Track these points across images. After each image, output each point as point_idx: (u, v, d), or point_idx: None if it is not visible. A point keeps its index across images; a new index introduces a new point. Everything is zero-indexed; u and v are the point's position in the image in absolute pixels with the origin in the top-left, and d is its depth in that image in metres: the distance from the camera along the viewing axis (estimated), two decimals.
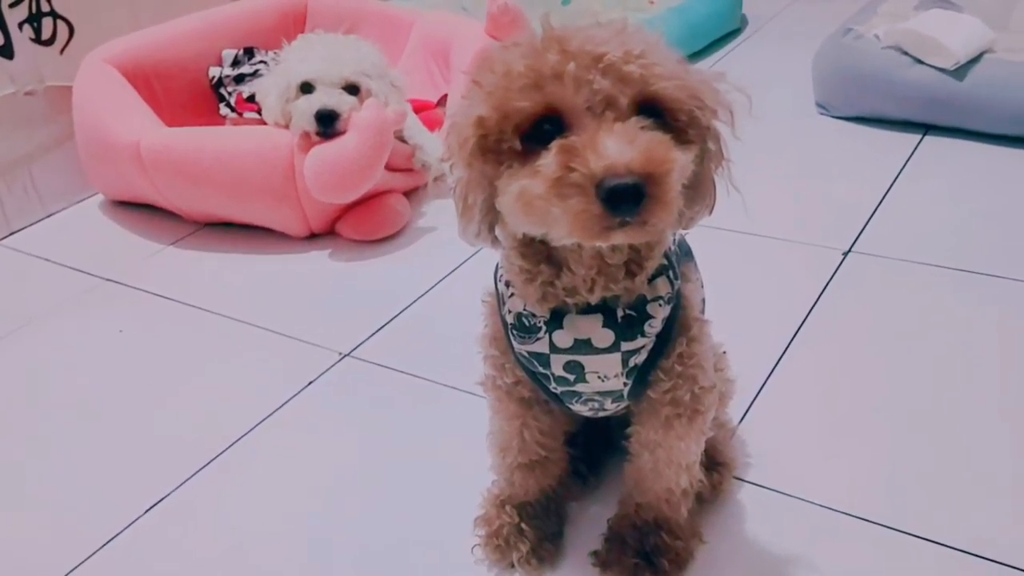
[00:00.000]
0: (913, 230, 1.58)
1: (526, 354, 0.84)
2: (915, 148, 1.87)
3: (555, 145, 0.65)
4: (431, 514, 1.08)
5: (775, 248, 1.57)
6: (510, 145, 0.68)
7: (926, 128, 1.93)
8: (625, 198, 0.62)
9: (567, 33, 0.68)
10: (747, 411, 1.19)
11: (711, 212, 0.78)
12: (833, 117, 2.05)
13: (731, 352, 1.07)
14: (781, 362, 1.28)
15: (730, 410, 1.12)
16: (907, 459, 1.10)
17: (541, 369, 0.84)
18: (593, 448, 1.10)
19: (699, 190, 0.75)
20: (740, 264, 1.53)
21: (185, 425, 1.27)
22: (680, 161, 0.65)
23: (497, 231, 0.77)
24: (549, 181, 0.64)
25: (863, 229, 1.59)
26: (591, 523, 1.04)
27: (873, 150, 1.89)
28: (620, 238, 0.66)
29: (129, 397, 1.34)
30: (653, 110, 0.67)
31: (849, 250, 1.53)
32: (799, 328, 1.35)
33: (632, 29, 0.70)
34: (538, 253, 0.77)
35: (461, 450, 1.13)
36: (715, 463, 1.05)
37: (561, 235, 0.66)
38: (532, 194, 0.65)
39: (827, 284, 1.44)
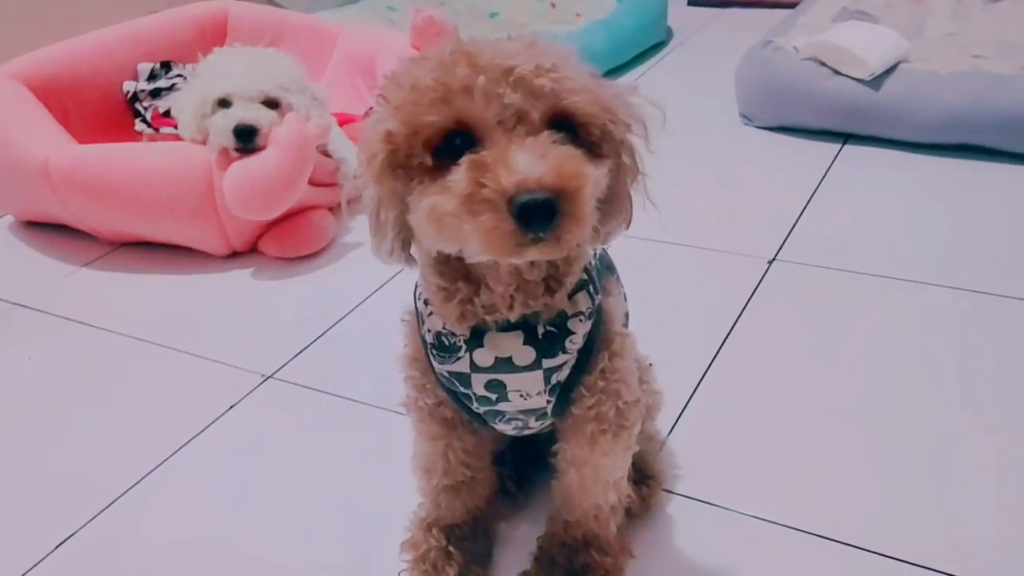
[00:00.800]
0: (836, 237, 1.60)
1: (447, 374, 0.82)
2: (835, 157, 1.91)
3: (465, 160, 0.63)
4: (357, 539, 1.04)
5: (700, 258, 1.58)
6: (420, 160, 0.66)
7: (846, 137, 1.98)
8: (538, 214, 0.60)
9: (476, 47, 0.67)
10: (676, 423, 1.19)
11: (628, 227, 0.77)
12: (756, 127, 2.08)
13: (658, 364, 1.06)
14: (708, 372, 1.28)
15: (658, 422, 1.12)
16: (836, 466, 1.10)
17: (462, 389, 0.82)
18: (521, 466, 1.08)
19: (615, 205, 0.74)
20: (665, 274, 1.53)
21: (99, 454, 1.22)
22: (593, 176, 0.64)
23: (412, 249, 0.74)
24: (460, 197, 0.62)
25: (787, 237, 1.61)
26: (520, 543, 1.02)
27: (795, 159, 1.93)
28: (534, 254, 0.64)
29: (39, 427, 1.28)
30: (565, 124, 0.66)
31: (774, 258, 1.55)
32: (726, 338, 1.35)
33: (543, 43, 0.69)
34: (455, 271, 0.75)
35: (387, 472, 1.10)
36: (644, 477, 1.04)
37: (474, 252, 0.65)
38: (443, 211, 0.63)
39: (753, 293, 1.46)
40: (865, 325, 1.37)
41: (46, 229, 1.80)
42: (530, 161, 0.61)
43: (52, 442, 1.25)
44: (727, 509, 1.05)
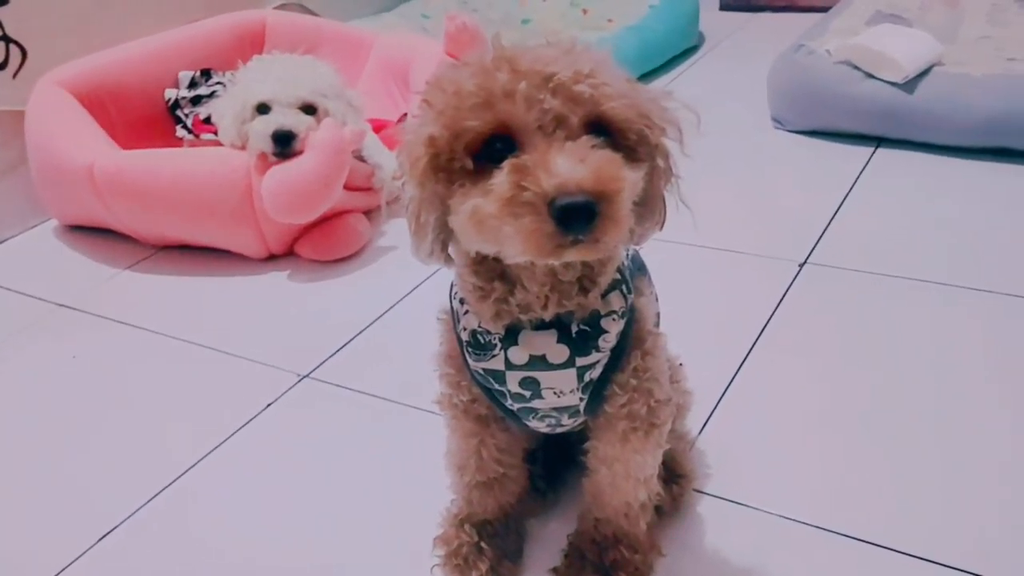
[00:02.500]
0: (867, 241, 1.60)
1: (481, 371, 0.83)
2: (868, 160, 1.90)
3: (507, 164, 0.65)
4: (391, 534, 1.07)
5: (732, 261, 1.58)
6: (462, 164, 0.68)
7: (878, 141, 1.97)
8: (577, 216, 0.62)
9: (517, 52, 0.69)
10: (706, 422, 1.19)
11: (661, 228, 0.79)
12: (788, 131, 2.08)
13: (689, 364, 1.07)
14: (739, 373, 1.29)
15: (689, 422, 1.13)
16: (866, 468, 1.11)
17: (497, 386, 0.84)
18: (552, 464, 1.09)
19: (649, 207, 0.75)
20: (697, 277, 1.54)
21: (139, 451, 1.25)
22: (630, 179, 0.66)
23: (450, 249, 0.77)
24: (501, 200, 0.64)
25: (818, 241, 1.61)
26: (551, 539, 1.03)
27: (827, 163, 1.92)
28: (573, 255, 0.66)
29: (83, 424, 1.32)
30: (602, 129, 0.68)
31: (805, 261, 1.55)
32: (756, 339, 1.36)
33: (581, 48, 0.71)
34: (491, 271, 0.77)
35: (420, 469, 1.12)
36: (674, 475, 1.05)
37: (514, 253, 0.67)
38: (484, 213, 0.65)
39: (783, 295, 1.46)
40: (896, 329, 1.36)
41: (90, 233, 1.85)
42: (570, 165, 0.63)
43: (95, 439, 1.29)
44: (756, 509, 1.06)
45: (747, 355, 1.33)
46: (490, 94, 0.66)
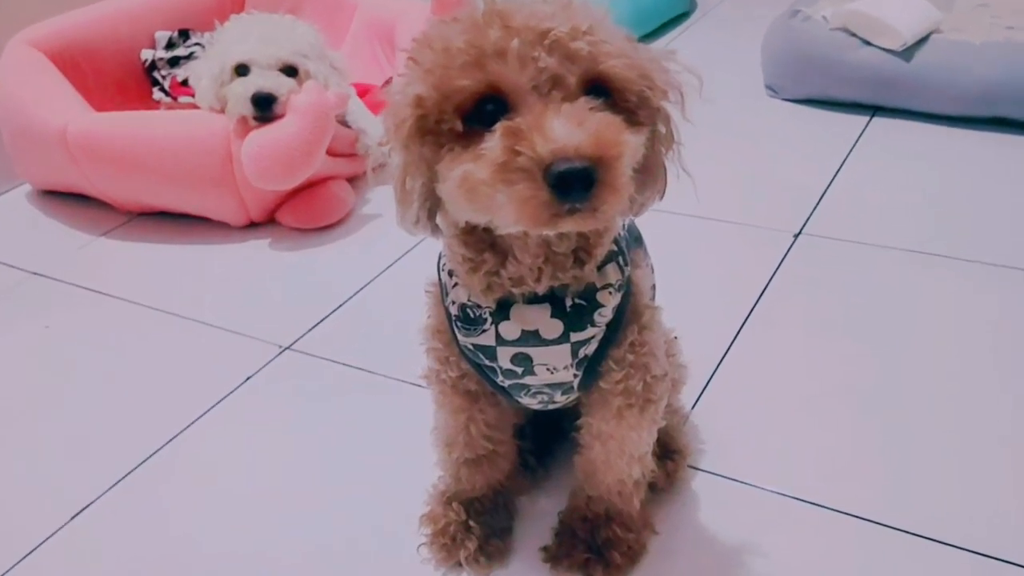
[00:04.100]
0: (863, 212, 1.57)
1: (471, 347, 0.80)
2: (864, 129, 1.87)
3: (500, 127, 0.61)
4: (375, 512, 1.03)
5: (725, 231, 1.55)
6: (451, 126, 0.64)
7: (874, 109, 1.93)
8: (575, 183, 0.58)
9: (510, 8, 0.64)
10: (700, 396, 1.17)
11: (662, 197, 0.75)
12: (782, 99, 2.04)
13: (682, 337, 1.04)
14: (733, 346, 1.26)
15: (683, 396, 1.10)
16: (863, 443, 1.08)
17: (487, 362, 0.80)
18: (542, 439, 1.06)
19: (650, 174, 0.71)
20: (689, 248, 1.50)
21: (115, 425, 1.21)
22: (631, 144, 0.62)
23: (438, 219, 0.72)
24: (494, 165, 0.60)
25: (813, 211, 1.58)
26: (541, 517, 1.00)
27: (822, 131, 1.89)
28: (569, 225, 0.62)
29: (55, 398, 1.27)
30: (601, 90, 0.64)
31: (799, 232, 1.52)
32: (751, 311, 1.33)
33: (578, 4, 0.66)
34: (481, 241, 0.73)
35: (406, 445, 1.09)
36: (669, 451, 1.02)
37: (507, 223, 0.63)
38: (475, 179, 0.61)
39: (778, 267, 1.43)
40: (892, 300, 1.34)
41: (64, 198, 1.80)
42: (567, 128, 0.59)
43: (68, 412, 1.25)
44: (752, 486, 1.03)
45: (741, 327, 1.30)
46: (481, 52, 0.62)
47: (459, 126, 0.64)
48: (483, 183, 0.61)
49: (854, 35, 1.90)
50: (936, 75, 1.83)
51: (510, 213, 0.61)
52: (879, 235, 1.49)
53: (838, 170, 1.71)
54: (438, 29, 0.66)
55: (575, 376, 0.81)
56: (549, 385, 0.82)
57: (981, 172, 1.68)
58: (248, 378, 1.28)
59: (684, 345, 1.04)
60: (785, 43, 2.00)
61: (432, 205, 0.70)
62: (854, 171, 1.71)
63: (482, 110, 0.63)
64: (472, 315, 0.77)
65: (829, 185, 1.66)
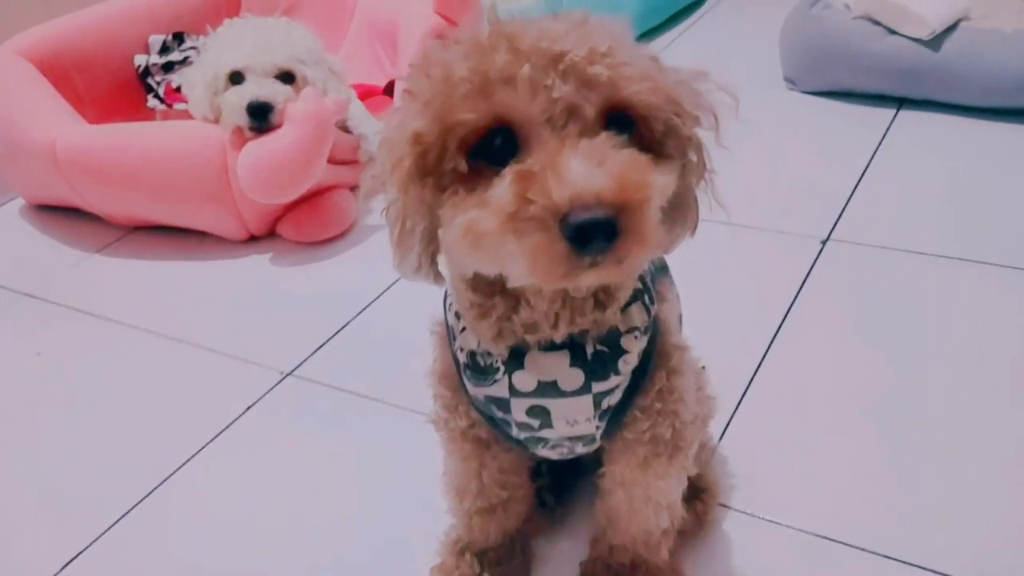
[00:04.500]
0: (894, 213, 1.49)
1: (482, 398, 0.72)
2: (890, 124, 1.78)
3: (509, 171, 0.53)
4: (385, 555, 0.97)
5: (746, 237, 1.46)
6: (454, 165, 0.56)
7: (900, 102, 1.84)
8: (595, 234, 0.51)
9: (518, 28, 0.57)
10: (727, 426, 1.09)
11: (694, 233, 0.67)
12: (801, 92, 1.95)
13: (706, 358, 0.96)
14: (762, 367, 1.18)
15: (709, 426, 1.02)
16: (909, 476, 1.00)
17: (500, 414, 0.73)
18: (559, 475, 0.99)
19: (679, 209, 0.64)
20: (710, 257, 1.39)
21: (111, 460, 1.15)
22: (660, 185, 0.55)
23: (441, 263, 0.65)
24: (503, 215, 0.52)
25: (841, 214, 1.49)
26: (561, 560, 0.94)
27: (845, 126, 1.80)
28: (590, 279, 0.55)
29: (47, 430, 1.21)
30: (623, 119, 0.56)
31: (827, 238, 1.44)
32: (779, 328, 1.25)
33: (595, 21, 0.58)
34: (491, 284, 0.65)
35: (417, 479, 1.02)
36: (696, 490, 0.95)
37: (518, 276, 0.55)
38: (482, 228, 0.54)
39: (806, 277, 1.35)
40: (932, 313, 1.25)
41: (58, 213, 1.73)
42: (586, 170, 0.51)
43: (59, 446, 1.18)
44: (789, 527, 0.95)
45: (769, 346, 1.22)
46: (486, 80, 0.55)
47: (463, 165, 0.56)
48: (491, 233, 0.53)
49: (878, 23, 1.81)
50: (965, 65, 1.73)
51: (522, 266, 0.53)
52: (914, 239, 1.40)
53: (865, 168, 1.63)
54: (437, 54, 0.59)
55: (598, 428, 0.73)
56: (569, 438, 0.74)
57: (1017, 167, 1.58)
58: (248, 408, 1.21)
59: (709, 367, 0.96)
60: (805, 32, 1.91)
61: (435, 248, 0.63)
62: (882, 169, 1.63)
63: (489, 145, 0.56)
64: (483, 364, 0.70)
65: (857, 185, 1.57)
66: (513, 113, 0.55)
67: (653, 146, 0.58)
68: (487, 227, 0.53)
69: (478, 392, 0.72)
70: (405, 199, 0.60)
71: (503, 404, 0.71)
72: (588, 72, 0.54)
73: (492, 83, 0.54)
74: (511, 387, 0.70)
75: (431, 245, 0.62)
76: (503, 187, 0.53)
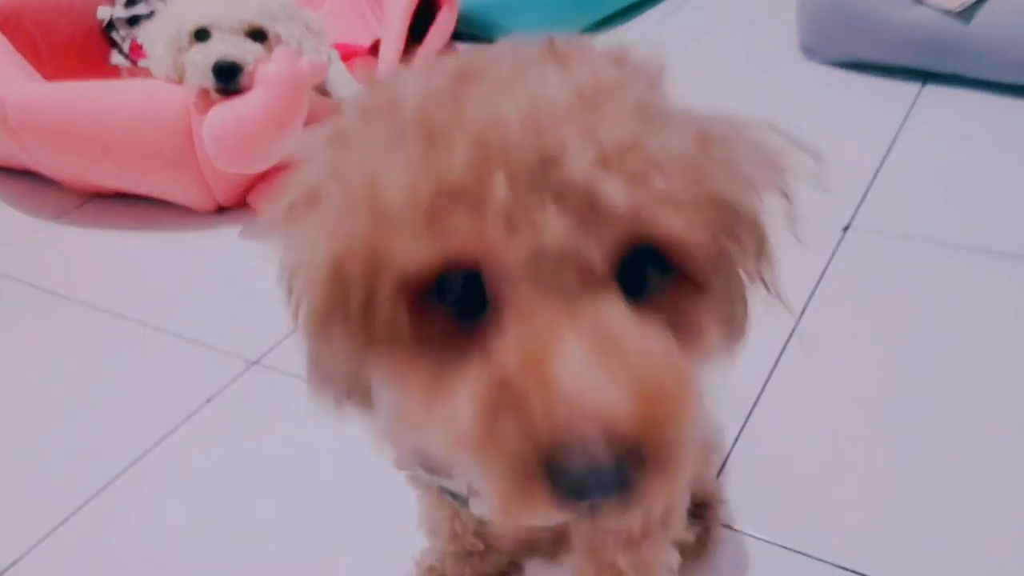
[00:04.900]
0: (920, 198, 1.36)
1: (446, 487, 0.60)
2: (915, 100, 1.65)
3: (474, 377, 0.36)
4: (354, 547, 0.88)
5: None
6: (393, 315, 0.38)
7: (925, 76, 1.71)
8: (597, 486, 0.34)
9: (488, 91, 0.37)
10: (737, 438, 0.98)
11: (741, 340, 0.50)
12: (820, 63, 1.81)
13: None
14: (775, 371, 1.07)
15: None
16: (941, 494, 0.89)
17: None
18: None
19: (726, 319, 0.47)
20: None
21: (65, 452, 1.05)
22: (699, 381, 0.39)
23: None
24: (465, 428, 0.36)
25: (863, 199, 1.37)
26: None
27: (866, 102, 1.67)
28: (588, 524, 0.42)
29: None
30: (650, 253, 0.39)
31: (848, 225, 1.32)
32: (796, 325, 1.13)
33: (611, 82, 0.38)
34: None
35: (390, 475, 0.91)
36: (699, 508, 0.84)
37: (488, 500, 0.38)
38: (436, 430, 0.38)
39: (826, 268, 1.23)
40: (962, 312, 1.13)
41: (11, 176, 1.60)
42: (589, 375, 0.34)
43: (12, 437, 1.08)
44: (803, 554, 0.85)
45: (784, 346, 1.10)
46: (437, 195, 0.35)
47: (404, 319, 0.38)
48: (448, 444, 0.38)
49: None
50: (998, 38, 1.60)
51: (492, 499, 0.37)
52: (943, 228, 1.28)
53: (889, 149, 1.50)
54: (356, 133, 0.39)
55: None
56: None
57: None
58: (210, 399, 1.11)
59: (715, 379, 0.85)
60: None
61: (365, 387, 0.47)
62: (906, 149, 1.50)
63: (444, 287, 0.38)
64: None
65: (880, 167, 1.45)
66: (478, 256, 0.36)
67: (687, 277, 0.41)
68: (443, 436, 0.38)
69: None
70: (318, 348, 0.44)
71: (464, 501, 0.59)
72: (599, 193, 0.35)
73: (444, 203, 0.35)
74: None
75: (361, 383, 0.46)
76: (465, 393, 0.36)
